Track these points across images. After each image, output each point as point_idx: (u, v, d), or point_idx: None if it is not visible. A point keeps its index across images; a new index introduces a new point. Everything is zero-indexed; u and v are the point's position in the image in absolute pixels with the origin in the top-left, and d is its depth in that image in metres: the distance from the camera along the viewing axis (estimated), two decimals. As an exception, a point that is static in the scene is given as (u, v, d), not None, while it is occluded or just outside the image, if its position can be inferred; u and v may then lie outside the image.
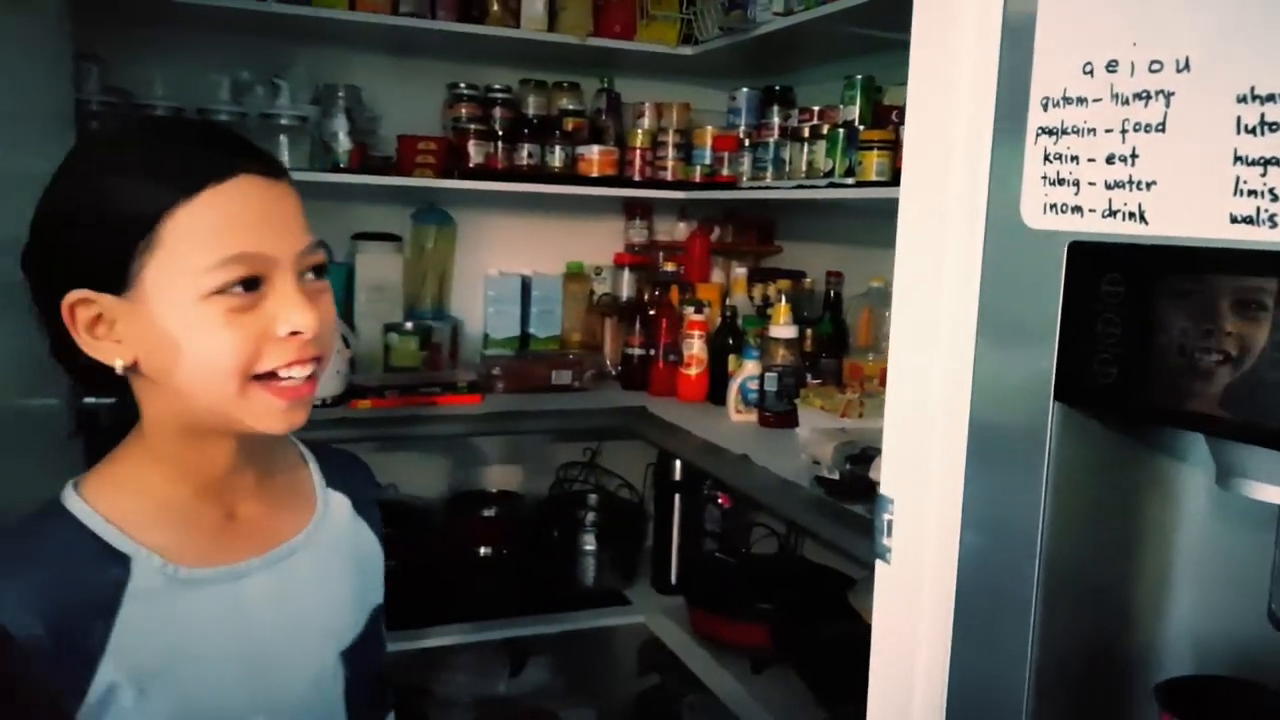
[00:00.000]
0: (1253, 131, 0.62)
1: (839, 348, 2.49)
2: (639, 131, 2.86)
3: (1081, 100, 0.73)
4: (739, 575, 2.61)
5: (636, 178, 2.85)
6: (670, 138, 2.84)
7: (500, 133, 2.70)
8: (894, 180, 2.02)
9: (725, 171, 2.72)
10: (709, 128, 2.79)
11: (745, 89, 2.77)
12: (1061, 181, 0.74)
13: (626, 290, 2.99)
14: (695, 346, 2.61)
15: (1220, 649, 0.83)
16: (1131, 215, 0.69)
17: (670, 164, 2.84)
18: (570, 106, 2.85)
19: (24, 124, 1.61)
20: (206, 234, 0.84)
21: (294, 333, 0.88)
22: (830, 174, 2.25)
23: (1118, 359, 0.71)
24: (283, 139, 2.52)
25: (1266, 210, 0.61)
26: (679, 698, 2.63)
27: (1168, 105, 0.67)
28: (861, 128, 2.19)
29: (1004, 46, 0.79)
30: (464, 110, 2.71)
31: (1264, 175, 0.61)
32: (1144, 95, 0.68)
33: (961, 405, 0.84)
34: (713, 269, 3.03)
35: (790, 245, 3.01)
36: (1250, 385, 0.63)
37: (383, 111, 2.76)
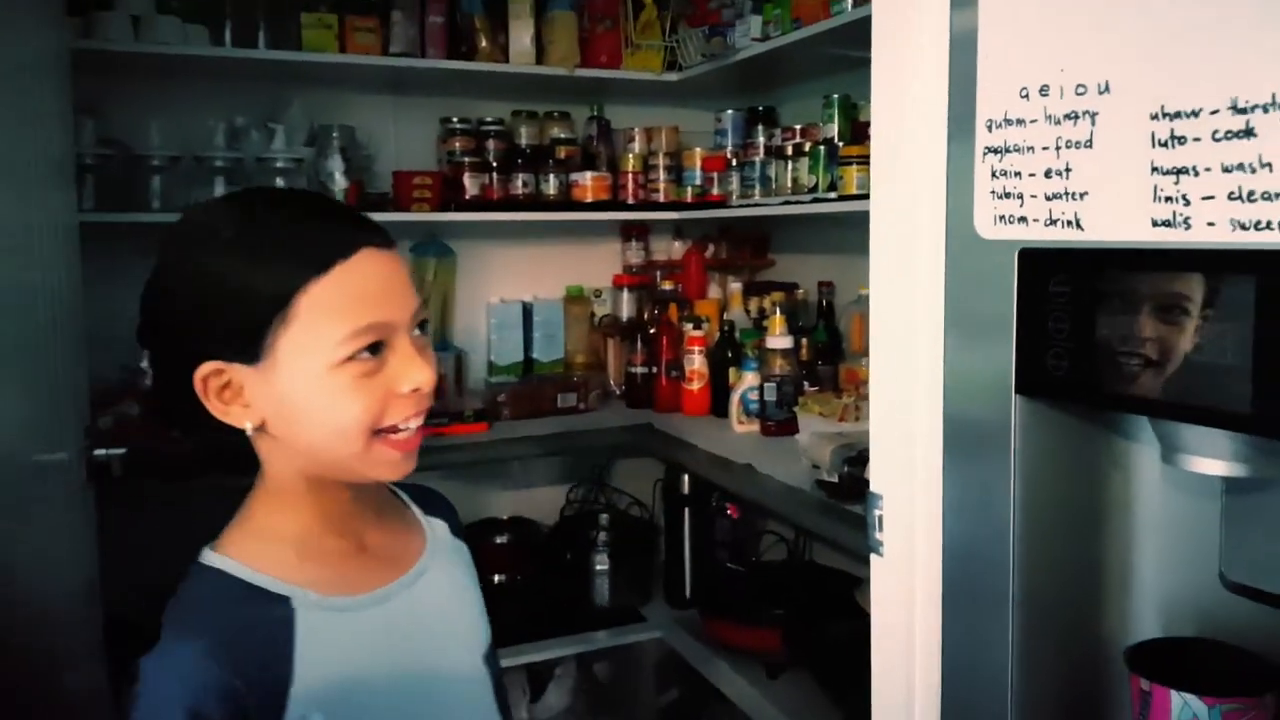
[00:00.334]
0: (1165, 145, 0.69)
1: (834, 354, 2.56)
2: (630, 156, 2.94)
3: (1020, 121, 0.81)
4: (751, 583, 2.65)
5: (630, 201, 2.93)
6: (661, 160, 2.92)
7: (495, 163, 2.77)
8: (876, 192, 2.10)
9: (715, 190, 2.80)
10: (697, 149, 2.88)
11: (730, 110, 2.86)
12: (1008, 195, 0.82)
13: (626, 310, 3.07)
14: (696, 361, 2.68)
15: (1183, 611, 0.90)
16: (1070, 223, 0.77)
17: (662, 186, 2.92)
18: (562, 135, 2.93)
19: (31, 177, 1.68)
20: (338, 307, 0.90)
21: (414, 389, 0.94)
22: (815, 189, 2.33)
23: (1068, 352, 0.78)
24: (280, 181, 2.55)
25: (1181, 214, 0.69)
26: (699, 709, 2.67)
27: (1093, 124, 0.75)
28: (841, 144, 2.28)
29: (951, 77, 0.87)
30: (458, 144, 2.78)
31: (1177, 183, 0.69)
32: (1073, 115, 0.76)
33: (935, 403, 0.92)
34: (709, 285, 3.10)
35: (782, 258, 3.08)
36: (1180, 369, 0.70)
37: (377, 149, 2.82)
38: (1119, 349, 0.74)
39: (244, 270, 0.90)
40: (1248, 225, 0.65)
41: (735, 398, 2.48)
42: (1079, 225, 0.76)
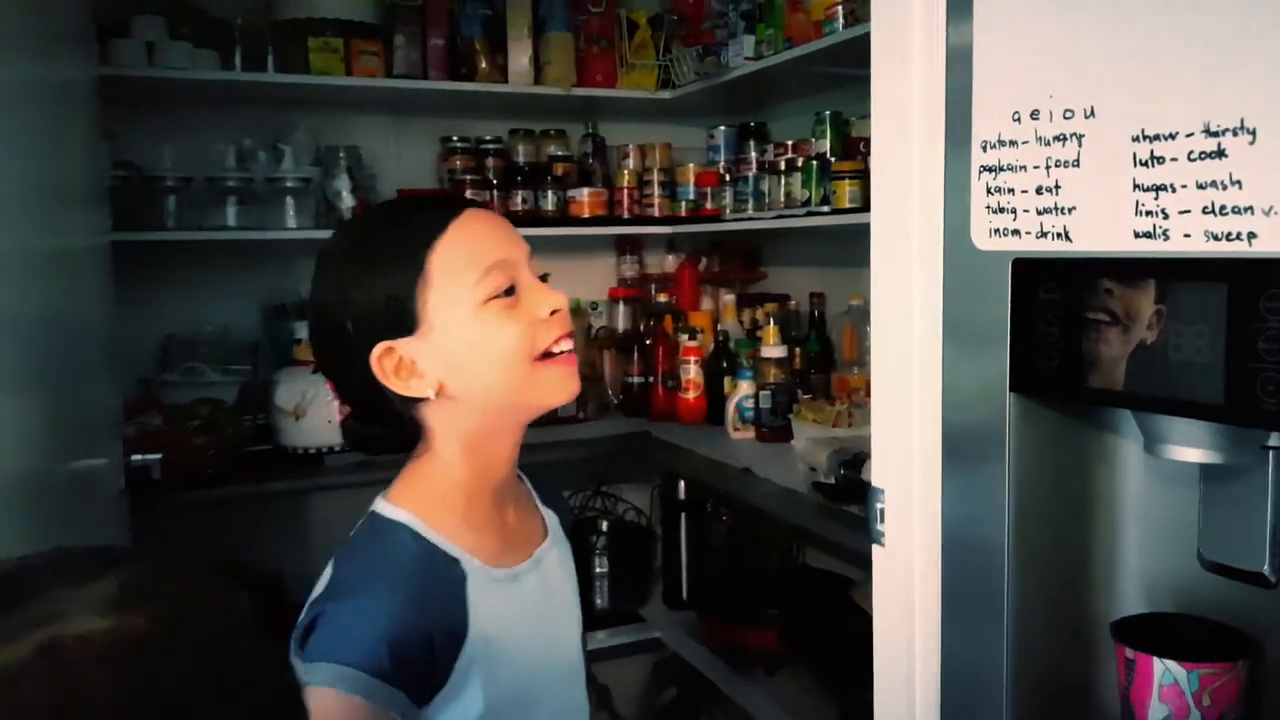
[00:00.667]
0: (1145, 164, 0.78)
1: (826, 364, 2.64)
2: (625, 172, 3.02)
3: (1013, 142, 0.89)
4: (746, 585, 2.72)
5: (625, 216, 3.01)
6: (655, 176, 3.00)
7: (494, 181, 2.84)
8: (865, 206, 2.16)
9: (709, 205, 2.88)
10: (691, 165, 2.96)
11: (723, 127, 2.94)
12: (1002, 210, 0.90)
13: (622, 322, 3.14)
14: (692, 371, 2.76)
15: (1165, 589, 0.97)
16: (1059, 235, 0.85)
17: (656, 201, 2.99)
18: (559, 153, 3.00)
19: (69, 200, 1.75)
20: (464, 255, 1.01)
21: (553, 311, 1.04)
22: (807, 203, 2.41)
23: (1058, 353, 0.86)
24: (289, 200, 2.63)
25: (1161, 226, 0.77)
26: (698, 707, 2.74)
27: (1080, 145, 0.83)
28: (833, 159, 2.36)
29: (949, 100, 0.95)
30: (458, 162, 2.85)
31: (1156, 199, 0.77)
32: (1061, 137, 0.84)
33: (934, 403, 0.99)
34: (703, 297, 3.18)
35: (774, 270, 3.16)
36: (1160, 367, 0.78)
37: (380, 168, 2.88)
38: (1104, 348, 0.82)
39: (378, 256, 1.01)
40: (1220, 236, 0.74)
41: (731, 406, 2.55)
42: (1068, 237, 0.84)
